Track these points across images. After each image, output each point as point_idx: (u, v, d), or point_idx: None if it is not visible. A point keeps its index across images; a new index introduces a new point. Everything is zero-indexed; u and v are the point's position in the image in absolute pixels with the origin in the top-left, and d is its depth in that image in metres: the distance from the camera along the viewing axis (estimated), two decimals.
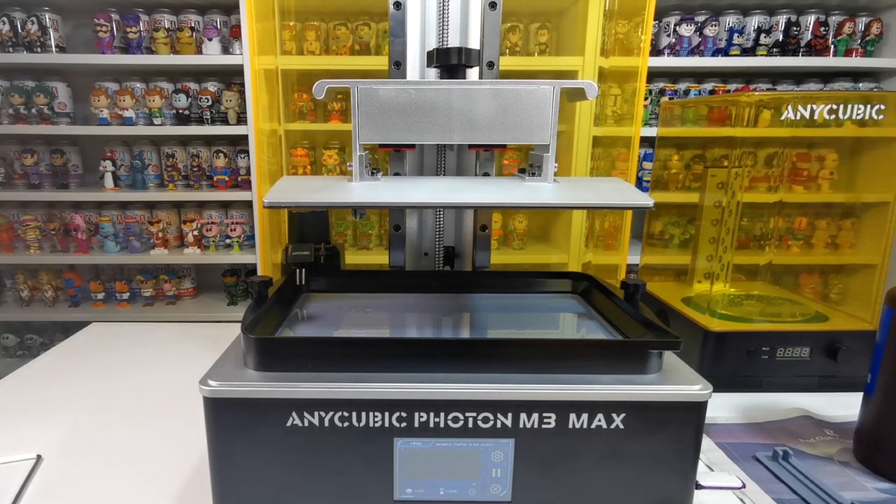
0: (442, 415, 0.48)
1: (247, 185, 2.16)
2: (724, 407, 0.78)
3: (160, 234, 2.16)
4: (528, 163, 0.65)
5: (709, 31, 2.09)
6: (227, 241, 2.21)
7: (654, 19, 2.03)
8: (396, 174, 0.77)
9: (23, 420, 0.74)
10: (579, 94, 0.60)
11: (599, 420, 0.49)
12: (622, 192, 0.58)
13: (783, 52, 2.11)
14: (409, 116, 0.58)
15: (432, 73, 0.72)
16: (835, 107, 0.80)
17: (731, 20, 2.11)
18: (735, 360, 0.82)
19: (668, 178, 1.18)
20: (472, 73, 0.73)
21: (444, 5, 0.72)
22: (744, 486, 0.60)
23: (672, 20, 2.09)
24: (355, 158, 0.59)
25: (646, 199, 0.53)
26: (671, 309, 0.93)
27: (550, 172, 0.60)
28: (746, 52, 2.12)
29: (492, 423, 0.49)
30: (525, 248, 2.03)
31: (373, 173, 0.61)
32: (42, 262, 2.18)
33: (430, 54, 0.66)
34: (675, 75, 2.20)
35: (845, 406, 0.77)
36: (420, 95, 0.58)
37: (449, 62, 0.65)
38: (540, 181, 0.61)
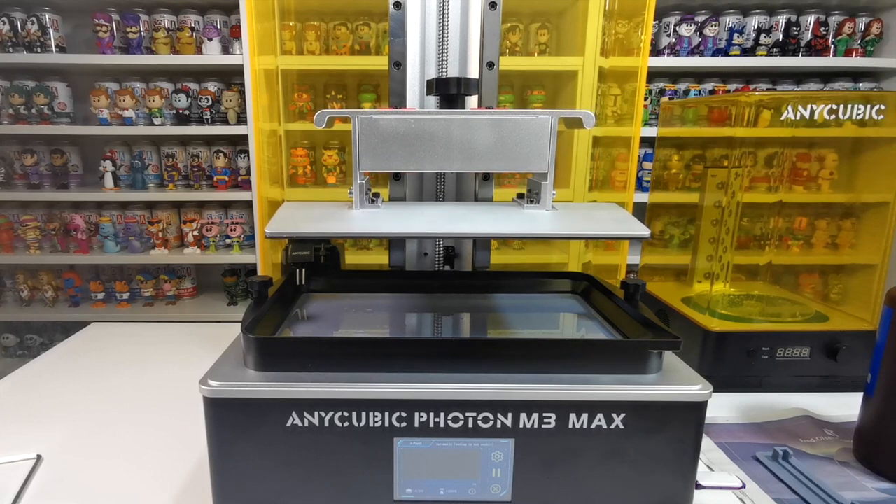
0: (442, 415, 0.49)
1: (247, 185, 2.16)
2: (724, 407, 0.78)
3: (160, 234, 2.16)
4: (526, 188, 0.65)
5: (709, 31, 2.09)
6: (227, 241, 2.21)
7: (654, 19, 2.03)
8: (396, 177, 0.77)
9: (23, 420, 0.74)
10: (577, 122, 0.60)
11: (599, 420, 0.49)
12: (620, 221, 0.58)
13: (783, 52, 2.11)
14: (409, 145, 0.59)
15: (432, 100, 0.73)
16: (835, 107, 0.80)
17: (731, 20, 2.11)
18: (735, 360, 0.82)
19: (668, 178, 1.18)
20: (472, 100, 0.73)
21: (444, 5, 0.72)
22: (744, 486, 0.61)
23: (672, 20, 2.09)
24: (356, 186, 0.60)
25: (642, 230, 0.55)
26: (671, 309, 0.93)
27: (548, 200, 0.61)
28: (746, 52, 2.12)
29: (492, 423, 0.49)
30: (525, 248, 2.03)
31: (372, 200, 0.61)
32: (42, 262, 2.18)
33: (429, 83, 0.67)
34: (675, 75, 2.20)
35: (845, 406, 0.77)
36: (420, 125, 0.58)
37: (448, 92, 0.66)
38: (538, 209, 0.61)
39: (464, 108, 0.68)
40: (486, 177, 0.77)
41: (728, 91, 2.15)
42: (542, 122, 0.58)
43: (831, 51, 2.11)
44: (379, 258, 1.95)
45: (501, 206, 0.66)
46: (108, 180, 2.14)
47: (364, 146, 0.58)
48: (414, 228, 0.60)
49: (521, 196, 0.67)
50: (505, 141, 0.59)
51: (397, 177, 0.78)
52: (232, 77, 2.15)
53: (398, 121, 0.58)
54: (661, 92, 2.15)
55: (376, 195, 0.62)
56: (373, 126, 0.58)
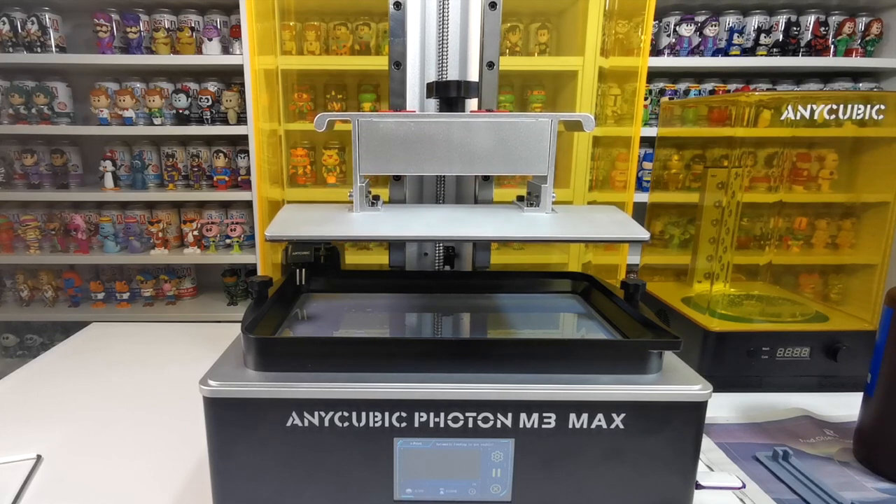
0: (442, 415, 0.48)
1: (247, 185, 2.16)
2: (724, 407, 0.78)
3: (160, 234, 2.16)
4: (526, 190, 0.65)
5: (709, 31, 2.09)
6: (227, 241, 2.21)
7: (654, 19, 2.03)
8: (396, 178, 0.77)
9: (23, 420, 0.74)
10: (576, 125, 0.60)
11: (599, 420, 0.49)
12: (619, 224, 0.59)
13: (783, 52, 2.11)
14: (409, 149, 0.59)
15: (432, 101, 0.73)
16: (835, 107, 0.80)
17: (731, 20, 2.11)
18: (735, 360, 0.82)
19: (668, 178, 1.18)
20: (472, 100, 0.73)
21: (444, 5, 0.72)
22: (744, 486, 0.61)
23: (672, 20, 2.09)
24: (356, 189, 0.60)
25: (642, 233, 0.55)
26: (671, 309, 0.93)
27: (548, 203, 0.61)
28: (746, 52, 2.12)
29: (492, 423, 0.49)
30: (525, 249, 2.03)
31: (373, 202, 0.61)
32: (42, 262, 2.18)
33: (429, 86, 0.67)
34: (675, 75, 2.20)
35: (845, 406, 0.77)
36: (420, 128, 0.58)
37: (448, 95, 0.66)
38: (538, 211, 0.62)
39: (464, 110, 0.68)
40: (486, 178, 0.77)
41: (728, 91, 2.15)
42: (542, 125, 0.58)
43: (831, 51, 2.11)
44: (379, 258, 1.95)
45: (501, 208, 0.66)
46: (108, 180, 2.14)
47: (364, 149, 0.58)
48: (414, 231, 0.59)
49: (521, 198, 0.66)
50: (505, 144, 0.59)
51: (397, 178, 0.77)
52: (232, 77, 2.15)
53: (398, 124, 0.58)
54: (661, 92, 2.15)
55: (376, 197, 0.62)
56: (373, 129, 0.58)
